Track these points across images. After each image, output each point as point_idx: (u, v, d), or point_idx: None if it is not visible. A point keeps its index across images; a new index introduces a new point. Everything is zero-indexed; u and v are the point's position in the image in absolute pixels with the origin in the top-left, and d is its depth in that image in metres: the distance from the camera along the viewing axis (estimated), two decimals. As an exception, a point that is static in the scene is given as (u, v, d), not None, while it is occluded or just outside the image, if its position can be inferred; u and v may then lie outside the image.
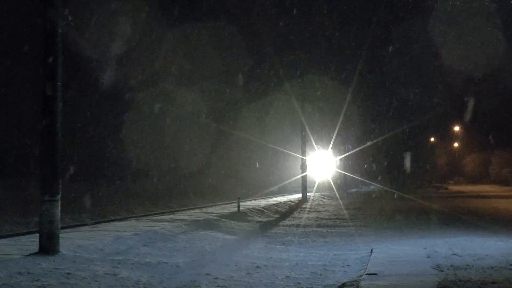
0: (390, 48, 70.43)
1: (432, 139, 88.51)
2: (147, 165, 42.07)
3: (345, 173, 58.18)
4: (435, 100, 76.77)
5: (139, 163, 40.68)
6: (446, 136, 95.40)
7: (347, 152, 46.27)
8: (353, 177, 60.66)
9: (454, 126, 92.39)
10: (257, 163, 52.22)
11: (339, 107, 46.53)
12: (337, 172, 46.91)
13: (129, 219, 22.90)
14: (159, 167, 43.69)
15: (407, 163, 70.90)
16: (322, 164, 42.63)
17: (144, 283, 11.36)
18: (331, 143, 41.34)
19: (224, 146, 52.01)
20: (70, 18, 14.21)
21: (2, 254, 12.84)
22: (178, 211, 27.33)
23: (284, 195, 42.59)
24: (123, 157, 38.92)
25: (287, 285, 12.08)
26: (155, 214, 25.58)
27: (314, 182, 49.75)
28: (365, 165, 69.93)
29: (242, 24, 51.03)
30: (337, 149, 43.06)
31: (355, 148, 50.12)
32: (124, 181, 37.67)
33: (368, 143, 56.55)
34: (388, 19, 68.50)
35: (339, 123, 42.50)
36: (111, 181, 35.87)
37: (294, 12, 55.45)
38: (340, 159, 53.30)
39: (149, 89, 43.39)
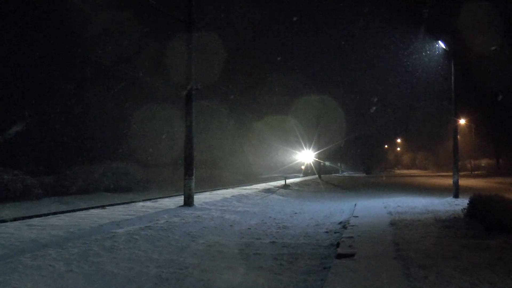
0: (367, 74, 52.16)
1: (386, 146, 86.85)
2: (210, 160, 33.78)
3: (329, 163, 53.67)
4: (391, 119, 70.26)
5: (210, 158, 33.30)
6: (394, 144, 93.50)
7: (323, 148, 40.74)
8: (333, 166, 56.81)
9: (397, 139, 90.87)
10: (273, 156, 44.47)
11: (317, 118, 38.58)
12: (316, 161, 40.74)
13: (228, 188, 23.05)
14: (222, 161, 36.15)
15: (371, 158, 68.87)
16: (306, 156, 38.34)
17: (237, 221, 11.51)
18: (313, 141, 37.18)
19: (255, 147, 40.42)
20: (199, 87, 14.14)
21: (165, 206, 13.24)
22: (253, 184, 27.32)
23: (307, 177, 39.40)
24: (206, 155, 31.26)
25: (311, 223, 12.09)
26: (242, 185, 25.61)
27: (302, 168, 43.55)
28: (349, 159, 68.38)
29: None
30: (318, 145, 37.92)
31: (329, 145, 43.02)
32: (210, 169, 34.22)
33: (339, 142, 48.70)
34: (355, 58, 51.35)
35: (317, 128, 38.16)
36: (203, 169, 31.89)
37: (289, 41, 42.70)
38: (325, 153, 45.98)
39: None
